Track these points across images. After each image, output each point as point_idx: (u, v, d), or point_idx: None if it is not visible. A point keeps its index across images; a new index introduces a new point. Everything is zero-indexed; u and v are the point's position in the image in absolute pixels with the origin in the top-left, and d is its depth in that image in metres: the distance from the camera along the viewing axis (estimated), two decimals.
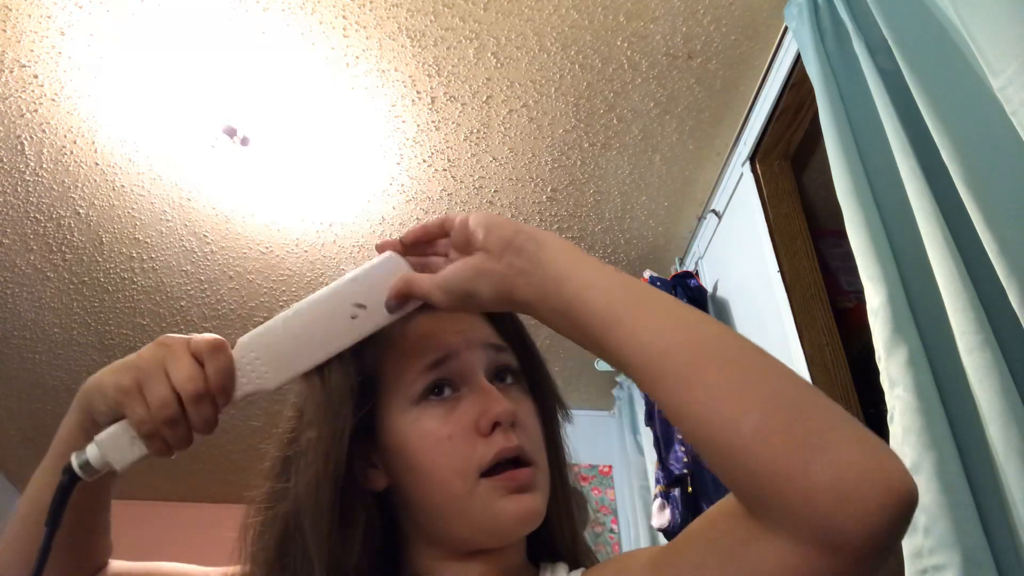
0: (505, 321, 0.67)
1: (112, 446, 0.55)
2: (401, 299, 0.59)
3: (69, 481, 0.55)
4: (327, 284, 0.59)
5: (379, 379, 0.62)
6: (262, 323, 0.59)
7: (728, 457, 0.44)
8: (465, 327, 0.63)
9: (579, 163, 1.92)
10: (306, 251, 2.14)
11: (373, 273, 0.59)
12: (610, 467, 2.77)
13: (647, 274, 2.03)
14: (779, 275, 1.66)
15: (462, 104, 1.75)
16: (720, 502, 0.51)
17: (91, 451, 0.55)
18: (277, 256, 2.15)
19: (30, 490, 0.63)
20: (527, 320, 0.63)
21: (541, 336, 0.68)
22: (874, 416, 1.28)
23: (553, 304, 0.52)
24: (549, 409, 0.68)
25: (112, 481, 0.63)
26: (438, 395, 0.60)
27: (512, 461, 0.58)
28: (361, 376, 0.60)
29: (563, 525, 0.65)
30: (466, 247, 0.57)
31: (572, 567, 0.63)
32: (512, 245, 0.54)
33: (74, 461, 0.55)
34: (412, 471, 0.59)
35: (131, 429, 0.54)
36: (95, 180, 1.88)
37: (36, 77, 1.63)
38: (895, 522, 0.40)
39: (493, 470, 0.57)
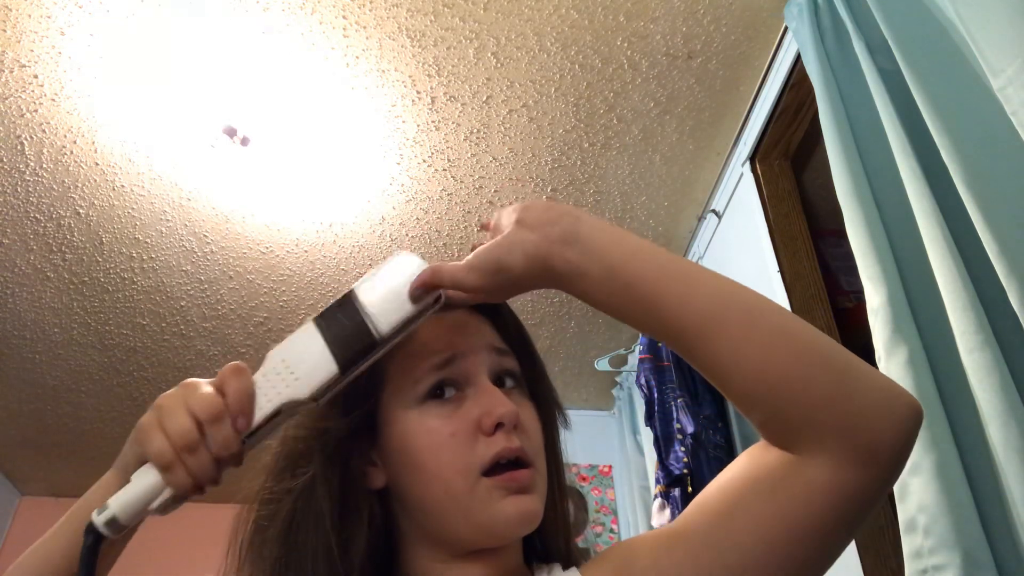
0: (509, 326, 0.68)
1: (134, 492, 0.49)
2: (427, 288, 0.58)
3: (95, 542, 0.48)
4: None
5: (383, 378, 0.62)
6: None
7: (782, 398, 0.51)
8: (470, 330, 0.64)
9: (579, 163, 1.92)
10: (306, 251, 2.14)
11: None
12: (610, 467, 2.77)
13: None
14: (779, 275, 1.66)
15: (462, 104, 1.75)
16: (737, 461, 0.56)
17: (114, 503, 0.49)
18: (277, 256, 2.15)
19: (39, 550, 0.54)
20: (526, 323, 0.63)
21: (541, 337, 0.69)
22: None
23: (595, 271, 0.55)
24: (548, 414, 0.68)
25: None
26: (441, 395, 0.61)
27: (512, 462, 0.58)
28: (365, 375, 0.60)
29: (557, 529, 0.65)
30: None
31: (565, 567, 0.63)
32: (548, 218, 0.57)
33: (97, 519, 0.48)
34: (413, 469, 0.59)
35: (154, 469, 0.50)
36: (95, 180, 1.88)
37: (36, 77, 1.63)
38: (915, 431, 0.51)
39: (493, 470, 0.57)
